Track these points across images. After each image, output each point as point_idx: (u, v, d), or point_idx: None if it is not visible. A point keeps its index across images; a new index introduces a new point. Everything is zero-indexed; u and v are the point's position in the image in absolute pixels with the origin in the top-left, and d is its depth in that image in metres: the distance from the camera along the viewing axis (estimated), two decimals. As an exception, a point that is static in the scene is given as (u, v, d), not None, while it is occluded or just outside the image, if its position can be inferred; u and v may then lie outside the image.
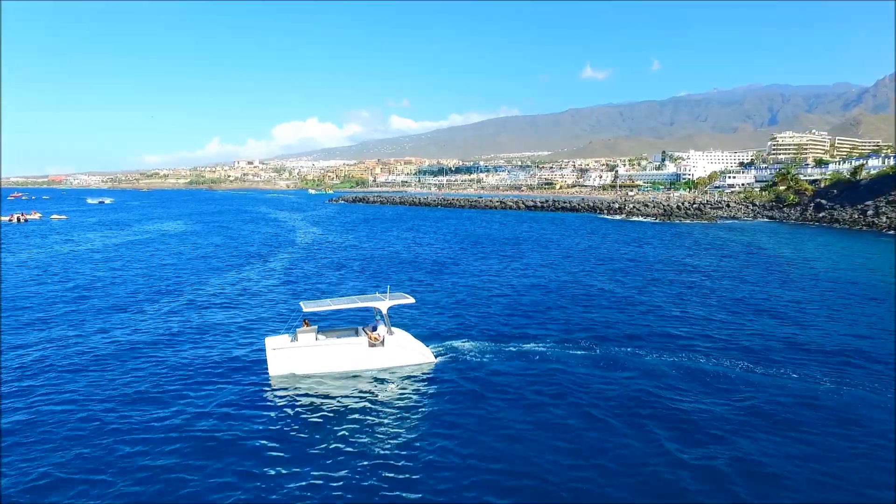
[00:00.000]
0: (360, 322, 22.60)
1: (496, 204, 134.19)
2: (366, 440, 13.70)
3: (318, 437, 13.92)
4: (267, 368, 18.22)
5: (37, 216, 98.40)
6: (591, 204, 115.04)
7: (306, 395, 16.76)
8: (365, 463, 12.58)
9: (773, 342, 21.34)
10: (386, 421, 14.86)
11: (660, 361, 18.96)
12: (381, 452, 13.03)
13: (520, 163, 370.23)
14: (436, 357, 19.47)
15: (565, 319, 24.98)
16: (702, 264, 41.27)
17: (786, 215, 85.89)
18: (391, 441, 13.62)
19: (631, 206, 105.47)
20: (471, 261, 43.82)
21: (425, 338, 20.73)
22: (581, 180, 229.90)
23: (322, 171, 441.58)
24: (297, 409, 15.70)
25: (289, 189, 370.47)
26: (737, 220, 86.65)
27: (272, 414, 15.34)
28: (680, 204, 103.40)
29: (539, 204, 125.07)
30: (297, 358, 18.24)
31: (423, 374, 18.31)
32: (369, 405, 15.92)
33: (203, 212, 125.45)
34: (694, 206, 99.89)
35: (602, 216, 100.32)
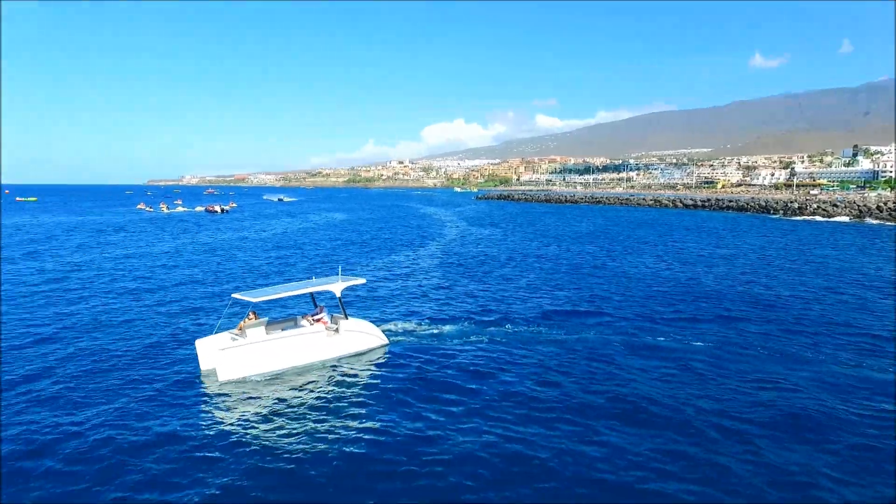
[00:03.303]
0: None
1: (649, 202, 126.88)
2: (360, 433, 12.17)
3: (318, 445, 11.63)
4: (202, 375, 15.40)
5: (233, 206, 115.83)
6: (763, 203, 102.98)
7: (272, 398, 14.07)
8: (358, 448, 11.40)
9: None
10: (370, 411, 13.36)
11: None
12: (371, 447, 11.62)
13: (675, 160, 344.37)
14: (388, 339, 18.32)
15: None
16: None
17: None
18: (387, 434, 12.17)
19: (814, 205, 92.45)
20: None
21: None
22: (747, 179, 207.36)
23: (467, 170, 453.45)
24: (268, 416, 13.03)
25: (435, 187, 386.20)
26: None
27: (253, 428, 12.41)
28: (881, 204, 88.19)
29: (699, 203, 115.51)
30: (251, 356, 15.42)
31: (381, 358, 16.98)
32: (351, 397, 14.15)
33: (381, 206, 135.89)
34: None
35: (775, 216, 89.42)
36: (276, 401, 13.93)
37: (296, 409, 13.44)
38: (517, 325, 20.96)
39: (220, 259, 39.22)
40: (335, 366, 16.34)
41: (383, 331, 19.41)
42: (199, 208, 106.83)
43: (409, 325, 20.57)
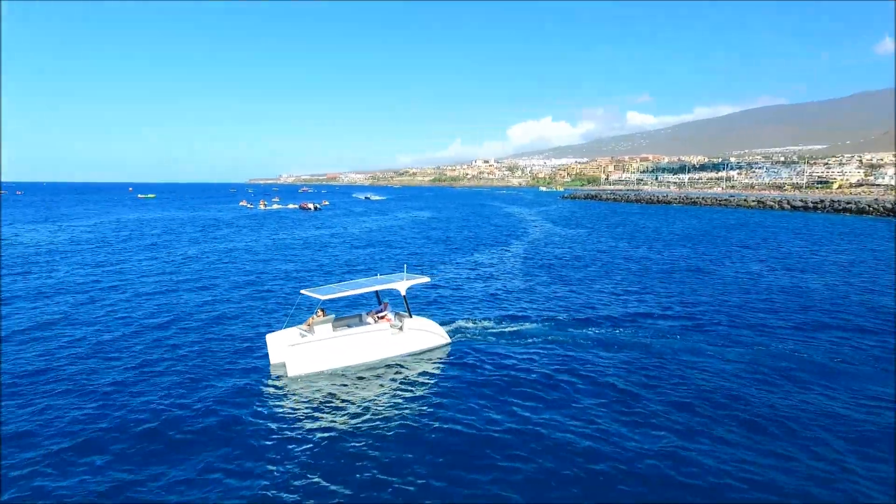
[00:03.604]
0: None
1: (752, 203, 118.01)
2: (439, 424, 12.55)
3: (404, 437, 12.00)
4: (272, 371, 15.75)
5: (326, 203, 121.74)
6: (889, 206, 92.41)
7: (348, 390, 14.50)
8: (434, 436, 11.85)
9: None
10: (450, 403, 13.63)
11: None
12: (446, 437, 12.05)
13: (783, 158, 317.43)
14: (467, 336, 18.71)
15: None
16: None
17: None
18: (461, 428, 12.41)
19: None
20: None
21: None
22: (870, 178, 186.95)
23: (553, 169, 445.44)
24: (352, 405, 13.54)
25: (520, 186, 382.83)
26: None
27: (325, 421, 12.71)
28: None
29: (810, 204, 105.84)
30: (319, 353, 15.67)
31: (453, 356, 16.98)
32: (426, 392, 14.40)
33: (471, 204, 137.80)
34: None
35: (904, 220, 79.99)
36: (352, 393, 14.47)
37: (374, 401, 13.88)
38: (601, 327, 20.46)
39: (314, 254, 41.50)
40: (403, 363, 16.51)
41: (463, 328, 19.79)
42: (292, 206, 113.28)
43: (489, 323, 20.69)
